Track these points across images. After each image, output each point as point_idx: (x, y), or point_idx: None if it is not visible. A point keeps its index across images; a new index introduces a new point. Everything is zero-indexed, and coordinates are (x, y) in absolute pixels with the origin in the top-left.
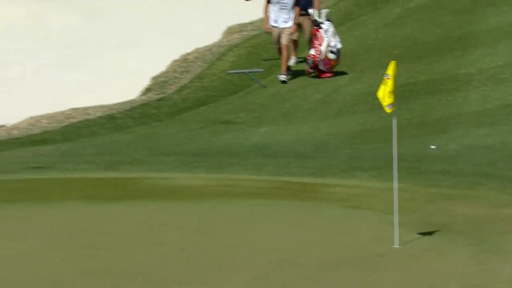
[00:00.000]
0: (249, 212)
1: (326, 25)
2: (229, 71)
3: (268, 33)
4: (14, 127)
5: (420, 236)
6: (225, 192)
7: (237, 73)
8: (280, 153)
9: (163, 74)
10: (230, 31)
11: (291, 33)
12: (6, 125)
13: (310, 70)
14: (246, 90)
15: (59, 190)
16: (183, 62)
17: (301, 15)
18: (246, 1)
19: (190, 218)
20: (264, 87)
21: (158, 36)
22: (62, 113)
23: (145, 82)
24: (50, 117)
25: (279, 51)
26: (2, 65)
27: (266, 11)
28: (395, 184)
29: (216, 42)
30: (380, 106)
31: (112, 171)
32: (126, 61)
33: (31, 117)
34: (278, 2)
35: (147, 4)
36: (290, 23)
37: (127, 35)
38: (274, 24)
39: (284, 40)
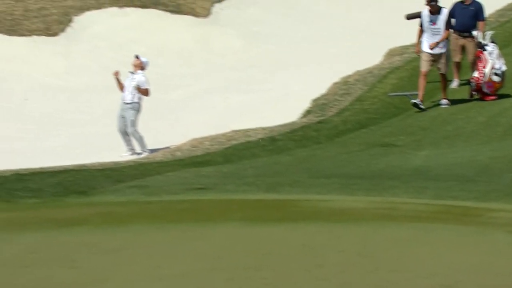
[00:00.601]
0: (410, 236)
1: (490, 47)
2: (390, 94)
3: (419, 55)
4: (178, 148)
5: None
6: (385, 215)
7: (398, 95)
8: (441, 176)
9: (323, 96)
10: (391, 53)
11: (445, 62)
12: (171, 147)
13: (474, 93)
14: (407, 113)
15: (220, 211)
16: (344, 85)
17: (464, 37)
18: (408, 20)
19: (351, 240)
20: (425, 109)
21: (319, 58)
22: (223, 135)
23: (306, 104)
24: (212, 139)
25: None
26: (167, 88)
27: (419, 35)
28: None
29: (377, 65)
30: None
31: (273, 193)
32: (286, 83)
33: (194, 139)
34: (429, 28)
35: (308, 26)
36: (444, 49)
37: (288, 58)
38: (427, 50)
39: (442, 70)
